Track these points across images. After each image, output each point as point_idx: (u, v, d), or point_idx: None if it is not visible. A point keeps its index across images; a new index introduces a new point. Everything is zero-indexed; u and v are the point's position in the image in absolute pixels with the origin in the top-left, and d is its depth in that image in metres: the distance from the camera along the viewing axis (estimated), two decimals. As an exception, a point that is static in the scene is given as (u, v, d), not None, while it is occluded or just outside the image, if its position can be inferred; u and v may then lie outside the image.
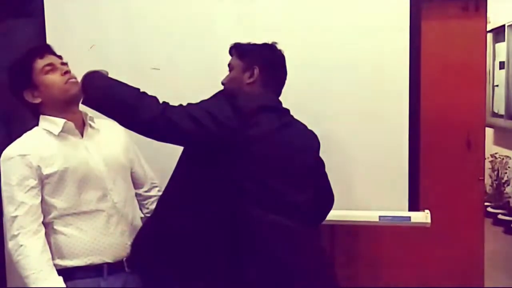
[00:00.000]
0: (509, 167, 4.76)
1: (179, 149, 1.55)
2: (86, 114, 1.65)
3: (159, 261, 1.57)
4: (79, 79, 1.55)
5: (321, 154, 1.71)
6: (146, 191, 1.83)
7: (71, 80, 1.58)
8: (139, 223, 1.72)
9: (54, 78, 1.58)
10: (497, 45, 4.85)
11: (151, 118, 1.41)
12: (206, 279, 1.51)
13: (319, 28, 1.98)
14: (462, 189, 2.39)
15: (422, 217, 1.98)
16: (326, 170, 1.74)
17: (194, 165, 1.52)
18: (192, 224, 1.50)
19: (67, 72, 1.59)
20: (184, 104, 1.48)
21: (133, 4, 2.08)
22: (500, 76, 4.80)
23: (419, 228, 2.01)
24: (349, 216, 2.01)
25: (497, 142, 5.06)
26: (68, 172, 1.54)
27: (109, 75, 1.55)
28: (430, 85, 2.14)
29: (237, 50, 1.66)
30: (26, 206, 1.50)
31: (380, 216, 1.99)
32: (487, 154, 3.93)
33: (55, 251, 1.55)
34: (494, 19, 4.43)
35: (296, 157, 1.56)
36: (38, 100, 1.59)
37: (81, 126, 1.64)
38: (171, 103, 1.47)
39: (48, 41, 2.11)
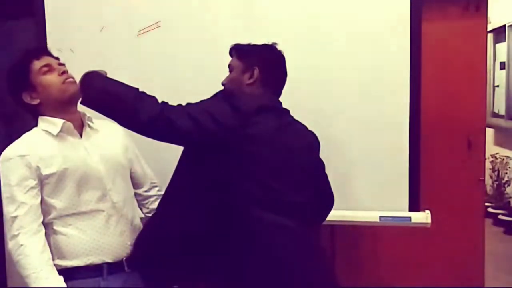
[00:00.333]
0: (509, 167, 4.76)
1: (179, 149, 1.55)
2: (85, 114, 1.65)
3: (159, 261, 1.57)
4: (78, 79, 1.55)
5: (321, 154, 1.70)
6: (145, 191, 1.82)
7: (68, 80, 1.58)
8: (138, 223, 1.72)
9: (52, 78, 1.58)
10: (497, 45, 4.85)
11: (150, 118, 1.41)
12: (206, 279, 1.51)
13: (319, 28, 1.98)
14: (463, 190, 2.39)
15: (422, 217, 1.98)
16: (326, 170, 1.74)
17: (194, 165, 1.52)
18: (192, 224, 1.50)
19: (65, 72, 1.59)
20: (184, 104, 1.48)
21: (133, 4, 2.08)
22: (500, 76, 4.80)
23: (419, 229, 2.01)
24: (349, 216, 2.00)
25: (498, 142, 5.06)
26: (67, 172, 1.54)
27: (108, 75, 1.54)
28: (430, 85, 2.14)
29: (237, 51, 1.66)
30: (26, 206, 1.50)
31: (380, 217, 1.99)
32: (487, 155, 3.94)
33: (55, 252, 1.55)
34: (494, 19, 4.44)
35: (296, 157, 1.55)
36: (36, 101, 1.59)
37: (80, 126, 1.64)
38: (170, 103, 1.47)
39: (48, 41, 2.12)
